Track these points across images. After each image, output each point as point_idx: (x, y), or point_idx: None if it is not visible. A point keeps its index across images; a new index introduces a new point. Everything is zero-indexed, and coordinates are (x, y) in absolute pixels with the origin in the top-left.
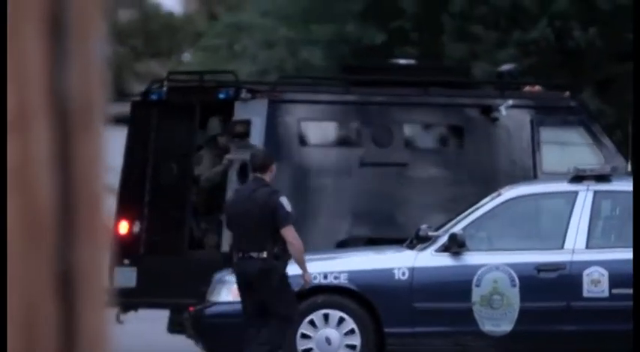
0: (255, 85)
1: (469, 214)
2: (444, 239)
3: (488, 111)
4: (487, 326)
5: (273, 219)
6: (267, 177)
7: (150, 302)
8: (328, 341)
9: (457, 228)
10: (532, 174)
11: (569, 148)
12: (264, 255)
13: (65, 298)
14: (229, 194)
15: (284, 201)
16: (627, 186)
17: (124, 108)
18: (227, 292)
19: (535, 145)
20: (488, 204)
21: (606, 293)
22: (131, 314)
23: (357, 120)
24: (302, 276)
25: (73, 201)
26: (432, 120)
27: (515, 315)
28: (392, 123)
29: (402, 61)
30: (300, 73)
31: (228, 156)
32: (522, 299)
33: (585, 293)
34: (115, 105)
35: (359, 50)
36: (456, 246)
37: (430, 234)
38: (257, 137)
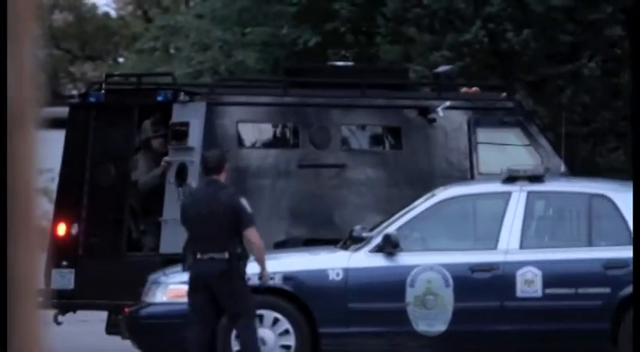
0: (193, 88)
1: (403, 215)
2: (377, 239)
3: (425, 112)
4: (421, 326)
5: (236, 221)
6: (222, 177)
7: (88, 304)
8: (263, 341)
9: (391, 229)
10: (469, 175)
11: (506, 149)
12: (226, 255)
13: None
14: (168, 196)
15: (245, 202)
16: (560, 186)
17: (61, 111)
18: (161, 293)
19: (472, 146)
20: (422, 204)
21: (539, 293)
22: (69, 315)
23: (295, 122)
24: (260, 274)
25: (7, 202)
26: (369, 122)
27: (449, 315)
28: (330, 124)
29: (340, 63)
30: (234, 75)
31: (166, 159)
32: (456, 299)
33: (519, 293)
34: (50, 108)
35: (293, 52)
36: (390, 246)
37: (364, 234)
38: (195, 139)
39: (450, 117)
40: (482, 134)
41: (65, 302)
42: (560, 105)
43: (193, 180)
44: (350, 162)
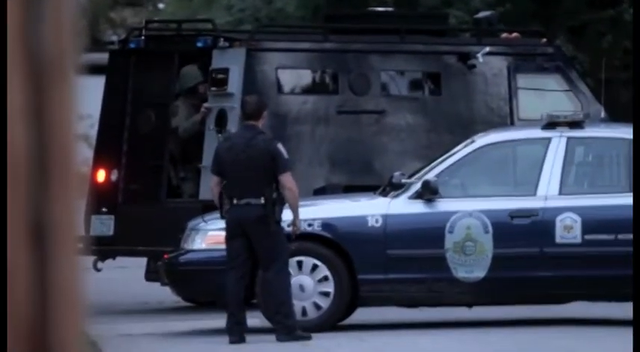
0: (233, 34)
1: (442, 161)
2: (417, 186)
3: (465, 58)
4: (460, 273)
5: (273, 166)
6: (260, 123)
7: (127, 251)
8: (302, 288)
9: (430, 175)
10: (509, 120)
11: (546, 95)
12: (263, 201)
13: (38, 247)
14: (207, 142)
15: (282, 148)
16: (600, 132)
17: (100, 57)
18: (201, 240)
19: (512, 92)
20: (461, 150)
21: (579, 240)
22: (108, 262)
23: (334, 68)
24: (292, 222)
25: (47, 150)
26: (409, 68)
27: (489, 262)
28: (369, 70)
29: (380, 9)
30: (274, 22)
31: (205, 105)
32: (495, 245)
33: (558, 239)
34: (90, 54)
35: None
36: (429, 192)
37: (403, 181)
38: (235, 85)
39: (489, 63)
40: (522, 80)
41: (104, 249)
42: (600, 50)
43: (233, 126)
44: (389, 109)
